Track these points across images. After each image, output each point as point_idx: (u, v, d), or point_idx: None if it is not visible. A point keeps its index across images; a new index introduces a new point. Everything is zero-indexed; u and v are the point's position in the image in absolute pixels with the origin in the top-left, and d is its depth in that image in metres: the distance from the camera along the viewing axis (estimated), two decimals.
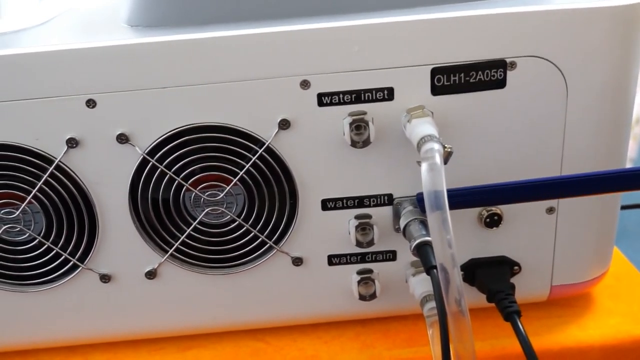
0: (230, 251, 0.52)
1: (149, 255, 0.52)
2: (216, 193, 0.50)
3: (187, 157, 0.49)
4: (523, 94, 0.47)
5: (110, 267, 0.52)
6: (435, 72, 0.47)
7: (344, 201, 0.50)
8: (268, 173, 0.49)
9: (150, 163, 0.49)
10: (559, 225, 0.52)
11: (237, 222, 0.51)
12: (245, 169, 0.49)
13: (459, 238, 0.43)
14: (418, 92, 0.47)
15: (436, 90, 0.47)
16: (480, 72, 0.47)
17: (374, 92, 0.47)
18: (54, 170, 0.49)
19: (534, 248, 0.53)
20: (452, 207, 0.41)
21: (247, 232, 0.51)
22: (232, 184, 0.49)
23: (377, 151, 0.49)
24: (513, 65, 0.46)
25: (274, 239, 0.52)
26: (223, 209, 0.51)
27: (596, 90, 0.47)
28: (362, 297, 0.53)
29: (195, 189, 0.50)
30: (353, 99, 0.47)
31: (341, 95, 0.47)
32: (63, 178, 0.49)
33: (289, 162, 0.49)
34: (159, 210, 0.51)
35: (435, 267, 0.43)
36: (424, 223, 0.48)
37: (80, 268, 0.52)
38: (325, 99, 0.47)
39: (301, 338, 0.56)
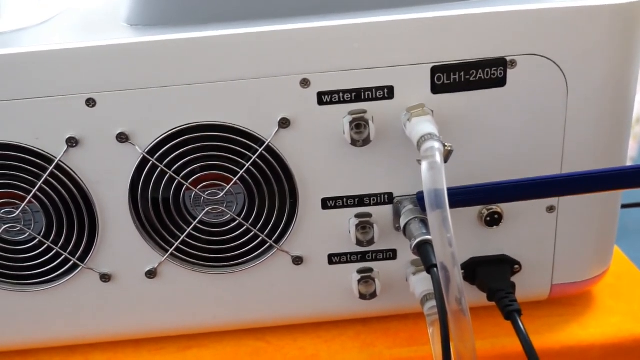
0: (231, 250, 0.52)
1: (149, 254, 0.52)
2: (216, 192, 0.50)
3: (187, 156, 0.49)
4: (523, 92, 0.47)
5: (111, 267, 0.52)
6: (435, 70, 0.46)
7: (344, 200, 0.50)
8: (268, 172, 0.49)
9: (150, 162, 0.49)
10: (560, 224, 0.52)
11: (238, 221, 0.51)
12: (245, 167, 0.49)
13: (459, 237, 0.43)
14: (418, 91, 0.47)
15: (436, 88, 0.47)
16: (480, 71, 0.47)
17: (374, 90, 0.47)
18: (54, 170, 0.49)
19: (535, 247, 0.53)
20: (452, 205, 0.41)
21: (248, 231, 0.51)
22: (232, 183, 0.49)
23: (378, 150, 0.49)
24: (513, 63, 0.46)
25: (274, 238, 0.52)
26: (223, 208, 0.51)
27: (596, 89, 0.47)
28: (362, 296, 0.53)
29: (196, 188, 0.50)
30: (353, 98, 0.47)
31: (341, 94, 0.47)
32: (63, 177, 0.49)
33: (289, 161, 0.49)
34: (159, 210, 0.51)
35: (435, 265, 0.43)
36: (424, 222, 0.48)
37: (81, 267, 0.52)
38: (325, 98, 0.47)
39: (302, 337, 0.56)
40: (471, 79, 0.47)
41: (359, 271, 0.53)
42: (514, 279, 0.53)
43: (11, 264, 0.52)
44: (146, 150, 0.48)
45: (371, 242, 0.51)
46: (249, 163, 0.49)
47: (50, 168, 0.48)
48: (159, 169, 0.49)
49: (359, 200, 0.51)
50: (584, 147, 0.49)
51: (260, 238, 0.51)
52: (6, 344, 0.55)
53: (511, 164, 0.49)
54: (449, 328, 0.41)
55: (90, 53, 0.45)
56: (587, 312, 0.56)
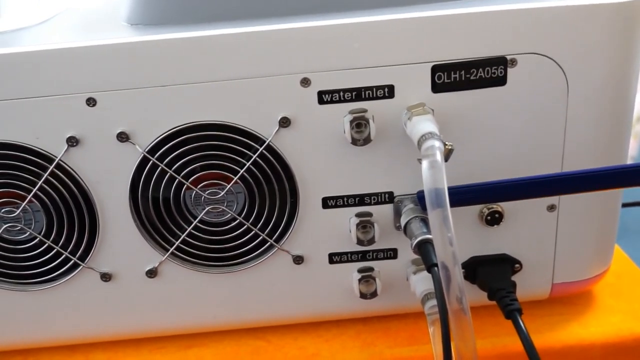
0: (231, 250, 0.52)
1: (149, 254, 0.52)
2: (217, 191, 0.50)
3: (187, 156, 0.49)
4: (524, 91, 0.47)
5: (111, 266, 0.52)
6: (435, 69, 0.46)
7: (345, 199, 0.50)
8: (269, 171, 0.49)
9: (151, 161, 0.49)
10: (560, 223, 0.52)
11: (238, 220, 0.51)
12: (245, 167, 0.49)
13: (459, 236, 0.43)
14: (418, 90, 0.47)
15: (437, 87, 0.47)
16: (480, 70, 0.46)
17: (374, 89, 0.47)
18: (55, 169, 0.49)
19: (535, 246, 0.53)
20: (452, 204, 0.41)
21: (248, 230, 0.51)
22: (232, 182, 0.49)
23: (378, 149, 0.49)
24: (513, 62, 0.46)
25: (274, 237, 0.52)
26: (224, 208, 0.51)
27: (597, 87, 0.47)
28: (363, 296, 0.53)
29: (196, 188, 0.50)
30: (353, 97, 0.47)
31: (342, 93, 0.47)
32: (63, 177, 0.49)
33: (289, 160, 0.49)
34: (159, 209, 0.51)
35: (436, 265, 0.43)
36: (424, 221, 0.48)
37: (81, 267, 0.52)
38: (325, 97, 0.47)
39: (302, 336, 0.56)
40: (471, 77, 0.47)
41: (360, 270, 0.53)
42: (514, 278, 0.53)
43: (12, 263, 0.52)
44: (147, 150, 0.48)
45: (372, 241, 0.51)
46: (250, 162, 0.49)
47: (51, 167, 0.48)
48: (160, 168, 0.49)
49: (360, 200, 0.51)
50: (585, 145, 0.49)
51: (261, 237, 0.51)
52: (7, 344, 0.55)
53: (512, 163, 0.49)
54: (449, 327, 0.41)
55: (91, 52, 0.45)
56: (588, 311, 0.56)
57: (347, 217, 0.51)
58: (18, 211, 0.50)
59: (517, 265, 0.53)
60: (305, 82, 0.46)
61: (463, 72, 0.47)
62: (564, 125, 0.48)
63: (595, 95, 0.48)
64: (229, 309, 0.54)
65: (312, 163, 0.49)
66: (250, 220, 0.51)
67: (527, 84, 0.47)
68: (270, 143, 0.48)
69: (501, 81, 0.47)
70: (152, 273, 0.52)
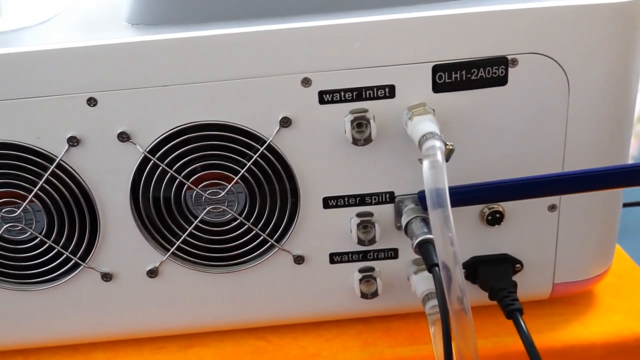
0: (232, 249, 0.52)
1: (150, 253, 0.52)
2: (217, 191, 0.50)
3: (188, 156, 0.49)
4: (524, 91, 0.47)
5: (112, 266, 0.52)
6: (436, 69, 0.46)
7: (346, 199, 0.50)
8: (269, 171, 0.49)
9: (152, 161, 0.49)
10: (561, 222, 0.52)
11: (239, 220, 0.51)
12: (246, 167, 0.49)
13: (460, 236, 0.43)
14: (419, 90, 0.47)
15: (437, 87, 0.47)
16: (481, 70, 0.46)
17: (375, 89, 0.47)
18: (55, 169, 0.49)
19: (536, 246, 0.53)
20: (453, 204, 0.41)
21: (249, 230, 0.51)
22: (233, 182, 0.49)
23: (379, 149, 0.49)
24: (514, 62, 0.46)
25: (275, 237, 0.52)
26: (224, 207, 0.51)
27: (598, 87, 0.47)
28: (363, 295, 0.53)
29: (197, 188, 0.50)
30: (354, 97, 0.47)
31: (342, 93, 0.47)
32: (64, 177, 0.49)
33: (290, 160, 0.49)
34: (160, 209, 0.51)
35: (437, 265, 0.43)
36: (425, 221, 0.47)
37: (82, 267, 0.52)
38: (326, 97, 0.47)
39: (303, 336, 0.56)
40: (472, 77, 0.47)
41: (360, 270, 0.53)
42: (515, 278, 0.53)
43: (12, 263, 0.52)
44: (147, 150, 0.48)
45: (372, 241, 0.51)
46: (250, 162, 0.49)
47: (52, 167, 0.48)
48: (160, 168, 0.49)
49: (360, 200, 0.51)
50: (586, 145, 0.49)
51: (262, 237, 0.51)
52: (8, 343, 0.55)
53: (512, 162, 0.49)
54: (450, 327, 0.41)
55: (91, 52, 0.45)
56: (589, 311, 0.56)
57: (348, 217, 0.51)
58: (19, 211, 0.50)
59: (518, 265, 0.53)
60: (306, 82, 0.46)
61: (464, 72, 0.47)
62: (564, 125, 0.48)
63: (596, 95, 0.48)
64: (230, 309, 0.54)
65: (312, 163, 0.49)
66: (251, 220, 0.51)
67: (528, 83, 0.47)
68: (271, 143, 0.48)
69: (502, 81, 0.47)
70: (152, 273, 0.52)
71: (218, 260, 0.53)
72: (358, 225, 0.51)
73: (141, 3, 0.50)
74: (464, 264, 0.53)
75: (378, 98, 0.47)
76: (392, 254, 0.53)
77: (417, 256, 0.49)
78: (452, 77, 0.47)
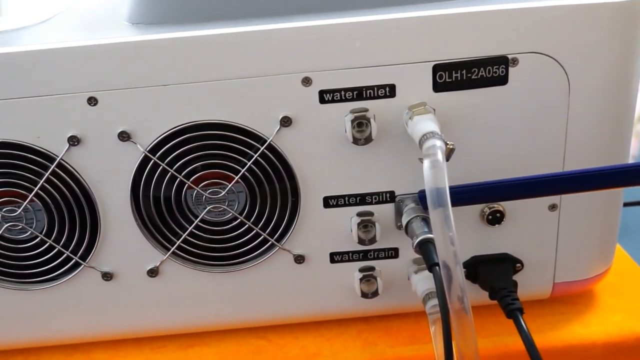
0: (232, 249, 0.52)
1: (150, 253, 0.52)
2: (218, 191, 0.50)
3: (188, 155, 0.49)
4: (525, 90, 0.47)
5: (112, 265, 0.52)
6: (436, 68, 0.46)
7: (346, 198, 0.50)
8: (270, 170, 0.49)
9: (152, 161, 0.49)
10: (562, 222, 0.52)
11: (239, 219, 0.51)
12: (247, 166, 0.49)
13: (461, 235, 0.43)
14: (420, 89, 0.47)
15: (438, 87, 0.47)
16: (482, 69, 0.46)
17: (375, 89, 0.47)
18: (56, 168, 0.49)
19: (537, 245, 0.53)
20: (454, 204, 0.41)
21: (249, 229, 0.51)
22: (234, 182, 0.49)
23: (379, 148, 0.48)
24: (515, 61, 0.46)
25: (275, 236, 0.52)
26: (225, 207, 0.51)
27: (598, 86, 0.47)
28: (364, 295, 0.53)
29: (197, 187, 0.50)
30: (355, 96, 0.47)
31: (343, 92, 0.47)
32: (65, 176, 0.49)
33: (290, 159, 0.49)
34: (160, 208, 0.51)
35: (437, 264, 0.43)
36: (426, 220, 0.47)
37: (82, 266, 0.52)
38: (327, 96, 0.47)
39: (303, 336, 0.56)
40: (473, 77, 0.47)
41: (361, 270, 0.53)
42: (515, 277, 0.53)
43: (13, 262, 0.52)
44: (148, 149, 0.48)
45: (373, 240, 0.51)
46: (251, 162, 0.49)
47: (52, 167, 0.48)
48: (161, 167, 0.49)
49: (361, 199, 0.51)
50: (586, 145, 0.49)
51: (262, 237, 0.51)
52: (8, 343, 0.55)
53: (513, 162, 0.49)
54: (450, 326, 0.41)
55: (92, 52, 0.45)
56: (589, 310, 0.56)
57: (349, 216, 0.51)
58: (19, 210, 0.50)
59: (518, 265, 0.53)
60: (307, 81, 0.46)
61: (464, 71, 0.47)
62: (565, 124, 0.48)
63: (596, 95, 0.48)
64: (230, 308, 0.54)
65: (313, 162, 0.49)
66: (252, 220, 0.51)
67: (528, 83, 0.47)
68: (271, 142, 0.48)
69: (502, 80, 0.47)
70: (153, 272, 0.52)
71: (218, 260, 0.53)
72: (358, 224, 0.51)
73: (142, 2, 0.50)
74: (464, 264, 0.53)
75: (378, 97, 0.47)
76: (393, 253, 0.53)
77: (417, 255, 0.50)
78: (453, 76, 0.47)
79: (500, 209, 0.51)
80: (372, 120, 0.47)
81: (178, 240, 0.51)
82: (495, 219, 0.51)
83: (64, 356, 0.56)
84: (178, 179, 0.49)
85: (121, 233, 0.51)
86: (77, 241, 0.51)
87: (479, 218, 0.51)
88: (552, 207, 0.51)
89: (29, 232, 0.51)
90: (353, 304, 0.54)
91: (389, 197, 0.50)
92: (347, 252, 0.52)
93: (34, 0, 0.64)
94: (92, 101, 0.46)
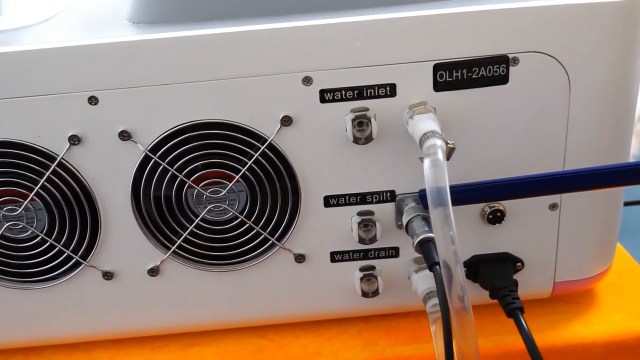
0: (233, 248, 0.52)
1: (151, 252, 0.52)
2: (218, 190, 0.50)
3: (189, 154, 0.49)
4: (525, 89, 0.47)
5: (113, 265, 0.52)
6: (437, 68, 0.46)
7: (347, 198, 0.50)
8: (270, 170, 0.49)
9: (153, 160, 0.49)
10: (562, 221, 0.52)
11: (240, 219, 0.51)
12: (247, 165, 0.49)
13: (461, 234, 0.43)
14: (420, 88, 0.47)
15: (438, 86, 0.47)
16: (482, 68, 0.46)
17: (376, 88, 0.47)
18: (56, 168, 0.49)
19: (537, 244, 0.53)
20: (454, 203, 0.41)
21: (250, 229, 0.51)
22: (234, 181, 0.49)
23: (380, 148, 0.49)
24: (515, 60, 0.46)
25: (276, 235, 0.52)
26: (225, 206, 0.51)
27: (599, 86, 0.47)
28: (364, 294, 0.53)
29: (198, 186, 0.50)
30: (355, 96, 0.47)
31: (343, 92, 0.47)
32: (65, 175, 0.49)
33: (291, 158, 0.49)
34: (161, 207, 0.51)
35: (438, 263, 0.43)
36: (426, 219, 0.48)
37: (83, 265, 0.52)
38: (327, 96, 0.47)
39: (304, 335, 0.56)
40: (473, 76, 0.47)
41: (362, 269, 0.53)
42: (516, 276, 0.53)
43: (14, 261, 0.52)
44: (148, 148, 0.48)
45: (373, 240, 0.51)
46: (251, 161, 0.49)
47: (53, 166, 0.48)
48: (161, 166, 0.49)
49: (361, 198, 0.51)
50: (587, 144, 0.49)
51: (263, 236, 0.51)
52: (9, 342, 0.55)
53: (513, 161, 0.49)
54: (451, 326, 0.41)
55: (92, 51, 0.45)
56: (590, 309, 0.56)
57: (349, 215, 0.51)
58: (20, 210, 0.50)
59: (518, 264, 0.53)
60: (307, 80, 0.46)
61: (465, 70, 0.47)
62: (565, 123, 0.48)
63: (597, 94, 0.48)
64: (231, 308, 0.54)
65: (313, 162, 0.49)
66: (252, 219, 0.51)
67: (529, 82, 0.47)
68: (272, 142, 0.48)
69: (503, 80, 0.47)
70: (153, 271, 0.52)
71: (219, 259, 0.53)
72: (359, 224, 0.51)
73: (142, 2, 0.50)
74: (464, 263, 0.53)
75: (379, 97, 0.47)
76: (393, 252, 0.53)
77: (418, 255, 0.50)
78: (453, 75, 0.47)
79: (501, 208, 0.51)
80: (372, 120, 0.47)
81: (179, 239, 0.51)
82: (496, 218, 0.51)
83: (64, 355, 0.56)
84: (179, 178, 0.49)
85: (122, 232, 0.51)
86: (78, 240, 0.51)
87: (480, 217, 0.51)
88: (553, 207, 0.51)
89: (30, 231, 0.51)
90: (353, 303, 0.54)
91: (390, 196, 0.50)
92: (348, 252, 0.52)
93: (35, 0, 0.64)
94: (93, 100, 0.47)
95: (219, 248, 0.52)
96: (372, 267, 0.53)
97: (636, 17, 0.46)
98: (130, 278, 0.53)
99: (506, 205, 0.51)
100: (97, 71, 0.46)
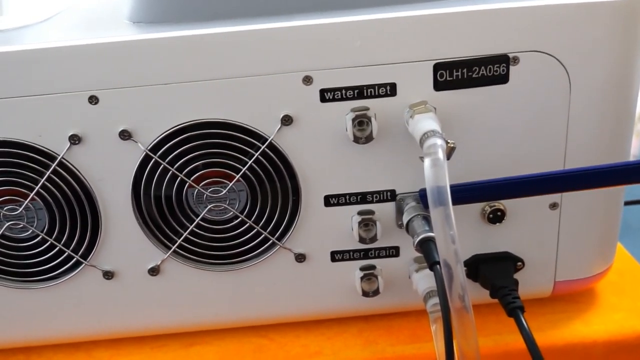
0: (233, 247, 0.52)
1: (151, 251, 0.52)
2: (219, 189, 0.50)
3: (189, 154, 0.49)
4: (526, 89, 0.47)
5: (113, 264, 0.52)
6: (437, 67, 0.46)
7: (347, 197, 0.50)
8: (271, 169, 0.49)
9: (153, 159, 0.49)
10: (562, 221, 0.52)
11: (240, 218, 0.51)
12: (247, 165, 0.49)
13: (462, 234, 0.43)
14: (420, 88, 0.47)
15: (439, 85, 0.47)
16: (482, 67, 0.46)
17: (376, 87, 0.47)
18: (57, 167, 0.49)
19: (538, 244, 0.53)
20: (455, 202, 0.41)
21: (250, 228, 0.51)
22: (234, 181, 0.49)
23: (380, 147, 0.49)
24: (516, 60, 0.46)
25: (276, 235, 0.52)
26: (226, 205, 0.51)
27: (599, 85, 0.47)
28: (365, 294, 0.53)
29: (198, 186, 0.50)
30: (355, 95, 0.47)
31: (344, 91, 0.47)
32: (66, 175, 0.49)
33: (291, 158, 0.49)
34: (161, 207, 0.51)
35: (438, 262, 0.43)
36: (427, 219, 0.48)
37: (84, 265, 0.52)
38: (327, 95, 0.47)
39: (304, 334, 0.56)
40: (474, 75, 0.47)
41: (362, 268, 0.53)
42: (516, 276, 0.53)
43: (14, 261, 0.52)
44: (149, 148, 0.48)
45: (374, 239, 0.51)
46: (252, 160, 0.49)
47: (53, 165, 0.48)
48: (162, 166, 0.49)
49: (362, 198, 0.51)
50: (587, 144, 0.49)
51: (263, 235, 0.51)
52: (9, 341, 0.55)
53: (514, 160, 0.49)
54: (451, 325, 0.41)
55: (93, 50, 0.45)
56: (590, 309, 0.56)
57: (349, 215, 0.51)
58: (20, 209, 0.50)
59: (519, 263, 0.53)
60: (308, 80, 0.46)
61: (465, 70, 0.47)
62: (566, 123, 0.48)
63: (597, 93, 0.48)
64: (231, 307, 0.54)
65: (314, 161, 0.49)
66: (253, 219, 0.51)
67: (529, 81, 0.47)
68: (272, 141, 0.48)
69: (503, 79, 0.47)
70: (154, 271, 0.52)
71: (219, 259, 0.53)
72: (359, 223, 0.51)
73: (143, 1, 0.50)
74: (465, 262, 0.53)
75: (379, 96, 0.47)
76: (394, 252, 0.53)
77: (418, 254, 0.50)
78: (454, 75, 0.47)
79: (501, 207, 0.51)
80: (372, 119, 0.47)
81: (179, 239, 0.51)
82: (496, 217, 0.51)
83: (65, 355, 0.56)
84: (179, 178, 0.49)
85: (122, 232, 0.51)
86: (78, 240, 0.51)
87: (480, 217, 0.51)
88: (553, 206, 0.51)
89: (30, 230, 0.51)
90: (354, 303, 0.54)
91: (390, 195, 0.50)
92: (348, 251, 0.52)
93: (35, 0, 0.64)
94: (93, 100, 0.47)
95: (220, 247, 0.52)
96: (373, 267, 0.53)
97: (636, 17, 0.46)
98: (130, 277, 0.53)
99: (506, 204, 0.51)
100: (97, 71, 0.46)
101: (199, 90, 0.46)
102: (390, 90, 0.47)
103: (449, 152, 0.43)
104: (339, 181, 0.50)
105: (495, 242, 0.53)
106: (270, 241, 0.52)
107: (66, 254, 0.51)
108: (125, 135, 0.48)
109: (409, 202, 0.50)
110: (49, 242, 0.51)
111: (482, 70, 0.47)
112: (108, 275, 0.52)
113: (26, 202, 0.50)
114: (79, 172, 0.49)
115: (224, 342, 0.56)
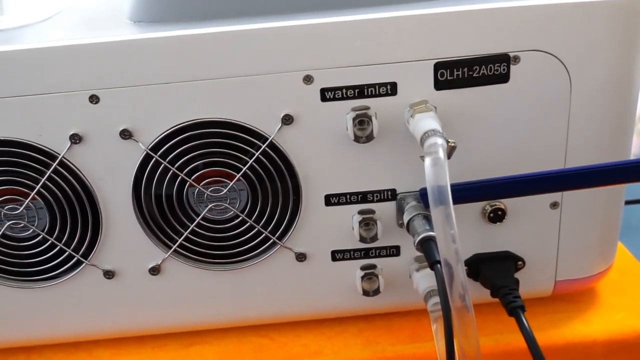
0: (234, 247, 0.52)
1: (152, 251, 0.52)
2: (219, 189, 0.50)
3: (190, 153, 0.49)
4: (526, 88, 0.47)
5: (114, 263, 0.52)
6: (438, 66, 0.46)
7: (348, 196, 0.50)
8: (271, 168, 0.49)
9: (154, 159, 0.49)
10: (563, 220, 0.52)
11: (241, 217, 0.51)
12: (248, 164, 0.49)
13: (462, 233, 0.43)
14: (421, 87, 0.47)
15: (439, 84, 0.47)
16: (483, 67, 0.46)
17: (377, 87, 0.47)
18: (58, 166, 0.49)
19: (538, 243, 0.53)
20: (455, 201, 0.41)
21: (251, 227, 0.51)
22: (235, 180, 0.49)
23: (381, 146, 0.49)
24: (516, 59, 0.46)
25: (277, 234, 0.52)
26: (226, 205, 0.51)
27: (600, 84, 0.47)
28: (365, 293, 0.53)
29: (199, 185, 0.50)
30: (356, 94, 0.47)
31: (344, 90, 0.47)
32: (66, 174, 0.49)
33: (292, 157, 0.49)
34: (162, 206, 0.51)
35: (439, 262, 0.43)
36: (427, 218, 0.48)
37: (84, 264, 0.52)
38: (328, 94, 0.47)
39: (305, 334, 0.56)
40: (474, 75, 0.47)
41: (362, 268, 0.53)
42: (517, 275, 0.53)
43: (15, 260, 0.52)
44: (149, 147, 0.48)
45: (374, 238, 0.51)
46: (252, 159, 0.49)
47: (54, 165, 0.48)
48: (162, 165, 0.49)
49: (362, 197, 0.51)
50: (588, 143, 0.49)
51: (264, 235, 0.51)
52: (10, 341, 0.55)
53: (514, 159, 0.49)
54: (452, 324, 0.41)
55: (94, 50, 0.45)
56: (591, 308, 0.56)
57: (350, 214, 0.51)
58: (21, 208, 0.50)
59: (520, 263, 0.53)
60: (308, 79, 0.46)
61: (466, 69, 0.47)
62: (566, 122, 0.48)
63: (598, 93, 0.48)
64: (232, 306, 0.54)
65: (314, 160, 0.49)
66: (253, 218, 0.51)
67: (529, 81, 0.47)
68: (273, 140, 0.48)
69: (504, 78, 0.47)
70: (155, 270, 0.52)
71: (220, 258, 0.53)
72: (360, 222, 0.51)
73: (143, 1, 0.50)
74: (465, 262, 0.53)
75: (380, 95, 0.47)
76: (394, 251, 0.53)
77: (419, 253, 0.50)
78: (454, 74, 0.47)
79: (502, 206, 0.51)
80: (373, 118, 0.47)
81: (180, 238, 0.51)
82: (497, 216, 0.51)
83: (65, 354, 0.56)
84: (180, 177, 0.49)
85: (123, 231, 0.51)
86: (79, 239, 0.51)
87: (481, 216, 0.51)
88: (554, 205, 0.51)
89: (31, 230, 0.51)
90: (354, 302, 0.54)
91: (391, 195, 0.50)
92: (349, 250, 0.52)
93: None
94: (94, 99, 0.47)
95: (220, 247, 0.52)
96: (373, 266, 0.53)
97: (637, 15, 0.46)
98: (131, 277, 0.53)
99: (507, 203, 0.51)
100: (98, 70, 0.46)
101: (199, 89, 0.46)
102: (390, 89, 0.47)
103: (450, 152, 0.43)
104: (339, 180, 0.50)
105: (495, 242, 0.53)
106: (271, 240, 0.52)
107: (67, 253, 0.51)
108: (125, 134, 0.48)
109: (409, 202, 0.50)
110: (50, 242, 0.51)
111: (483, 70, 0.47)
112: (109, 274, 0.52)
113: (27, 201, 0.50)
114: (79, 171, 0.49)
115: (224, 341, 0.56)
